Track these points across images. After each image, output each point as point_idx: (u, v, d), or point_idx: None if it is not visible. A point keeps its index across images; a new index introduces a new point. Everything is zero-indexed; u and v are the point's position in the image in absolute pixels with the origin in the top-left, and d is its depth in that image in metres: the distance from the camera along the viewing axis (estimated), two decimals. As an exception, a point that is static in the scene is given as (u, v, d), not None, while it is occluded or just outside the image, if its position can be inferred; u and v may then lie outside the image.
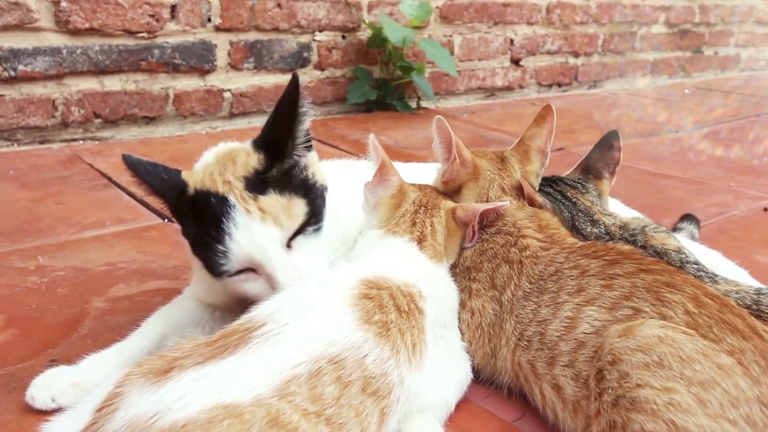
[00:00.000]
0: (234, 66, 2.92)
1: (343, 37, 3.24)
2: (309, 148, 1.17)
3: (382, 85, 3.33)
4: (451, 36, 3.61)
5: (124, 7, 2.57)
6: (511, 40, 3.88)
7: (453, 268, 1.22)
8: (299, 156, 1.14)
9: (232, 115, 2.97)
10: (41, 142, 2.55)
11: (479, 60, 3.78)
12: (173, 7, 2.70)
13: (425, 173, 1.40)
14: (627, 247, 1.15)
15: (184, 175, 1.14)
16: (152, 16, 2.65)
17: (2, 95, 2.43)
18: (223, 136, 2.63)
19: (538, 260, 1.15)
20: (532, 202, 1.26)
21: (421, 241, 1.16)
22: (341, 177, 1.38)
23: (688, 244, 1.33)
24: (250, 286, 1.11)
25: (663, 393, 0.87)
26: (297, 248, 1.10)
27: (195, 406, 0.77)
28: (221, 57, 2.87)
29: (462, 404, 1.11)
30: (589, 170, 1.43)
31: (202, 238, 1.10)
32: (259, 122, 2.99)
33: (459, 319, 1.17)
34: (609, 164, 1.43)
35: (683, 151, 2.87)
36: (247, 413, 0.77)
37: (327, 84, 3.24)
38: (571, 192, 1.36)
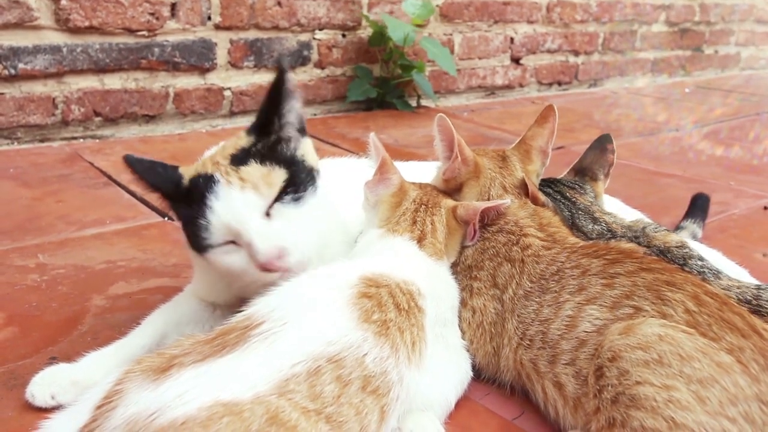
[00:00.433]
0: (234, 64, 2.92)
1: (344, 35, 3.24)
2: (303, 132, 1.18)
3: (382, 83, 3.33)
4: (451, 34, 3.61)
5: (124, 5, 2.57)
6: (512, 39, 3.88)
7: (454, 266, 1.22)
8: (289, 135, 1.15)
9: (232, 114, 2.97)
10: (41, 141, 2.55)
11: (479, 58, 3.78)
12: (173, 6, 2.70)
13: (425, 172, 1.39)
14: (628, 246, 1.15)
15: (181, 169, 1.15)
16: (152, 14, 2.65)
17: (2, 93, 2.43)
18: (223, 135, 2.64)
19: (540, 259, 1.15)
20: (535, 201, 1.26)
21: (421, 240, 1.16)
22: (342, 175, 1.38)
23: (689, 242, 1.34)
24: (232, 258, 1.09)
25: (663, 390, 0.87)
26: (276, 216, 1.09)
27: (194, 404, 0.77)
28: (221, 55, 2.87)
29: (462, 402, 1.11)
30: (585, 172, 1.44)
31: (189, 218, 1.11)
32: (259, 121, 2.99)
33: (460, 317, 1.17)
34: (603, 166, 1.45)
35: (683, 150, 2.87)
36: (247, 411, 0.77)
37: (327, 82, 3.24)
38: (570, 192, 1.37)
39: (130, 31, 2.62)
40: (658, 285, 1.01)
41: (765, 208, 2.14)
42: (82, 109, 2.59)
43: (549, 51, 4.09)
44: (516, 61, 3.95)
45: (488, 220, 1.23)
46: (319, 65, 3.19)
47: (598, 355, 0.96)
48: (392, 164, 1.23)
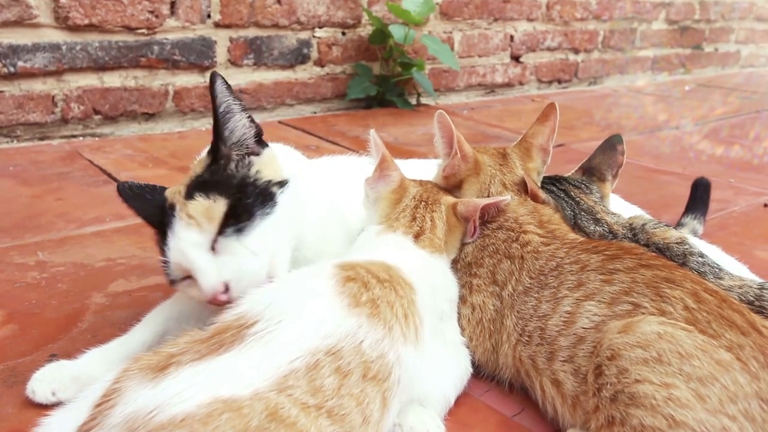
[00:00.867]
0: (234, 62, 2.91)
1: (343, 33, 3.24)
2: (260, 143, 1.16)
3: (382, 81, 3.33)
4: (451, 32, 3.61)
5: (123, 3, 2.57)
6: (511, 37, 3.88)
7: (454, 263, 1.22)
8: (239, 155, 1.14)
9: (232, 112, 2.96)
10: (41, 139, 2.55)
11: (479, 56, 3.77)
12: (173, 4, 2.70)
13: (425, 170, 1.39)
14: (628, 243, 1.15)
15: (168, 191, 1.16)
16: (152, 12, 2.65)
17: (2, 91, 2.42)
18: (222, 133, 2.63)
19: (539, 255, 1.15)
20: (535, 198, 1.26)
21: (418, 235, 1.16)
22: (342, 173, 1.38)
23: (689, 239, 1.33)
24: (193, 291, 1.11)
25: (662, 388, 0.87)
26: (221, 250, 1.08)
27: (194, 401, 0.77)
28: (221, 53, 2.87)
29: (462, 399, 1.12)
30: (593, 172, 1.44)
31: (161, 253, 1.13)
32: (258, 119, 2.98)
33: (459, 314, 1.17)
34: (612, 167, 1.44)
35: (683, 148, 2.87)
36: (246, 407, 0.77)
37: (327, 80, 3.24)
38: (574, 191, 1.36)
39: (130, 29, 2.62)
40: (657, 282, 1.00)
41: (765, 205, 2.14)
42: (82, 107, 2.59)
43: (549, 49, 4.08)
44: (516, 59, 3.95)
45: (488, 217, 1.23)
46: (319, 63, 3.19)
47: (597, 354, 0.96)
48: (392, 161, 1.23)
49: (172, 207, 1.11)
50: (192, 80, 2.83)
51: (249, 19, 2.90)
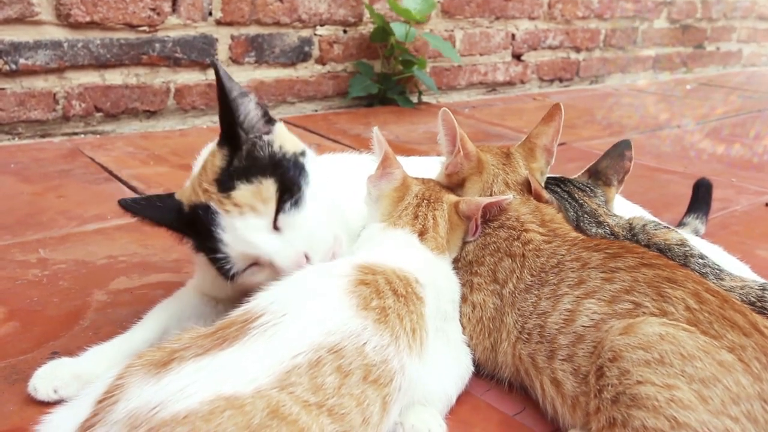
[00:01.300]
0: (235, 60, 2.91)
1: (345, 31, 3.23)
2: (269, 121, 1.17)
3: (383, 79, 3.33)
4: (452, 30, 3.60)
5: (125, 0, 2.57)
6: (513, 35, 3.87)
7: (455, 262, 1.22)
8: (256, 136, 1.14)
9: (233, 109, 2.96)
10: (42, 136, 2.55)
11: (480, 55, 3.77)
12: (174, 1, 2.69)
13: (427, 168, 1.39)
14: (630, 242, 1.14)
15: (177, 195, 1.16)
16: (153, 9, 2.65)
17: (3, 89, 2.42)
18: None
19: (541, 253, 1.14)
20: (539, 198, 1.26)
21: (422, 234, 1.16)
22: (345, 171, 1.38)
23: (691, 239, 1.33)
24: (260, 277, 1.10)
25: (664, 390, 0.86)
26: (285, 227, 1.09)
27: (196, 398, 0.77)
28: (222, 51, 2.87)
29: (463, 397, 1.12)
30: (599, 176, 1.44)
31: (207, 253, 1.12)
32: (260, 116, 2.99)
33: (460, 313, 1.17)
34: (619, 172, 1.44)
35: (685, 147, 2.87)
36: (248, 404, 0.77)
37: (328, 78, 3.23)
38: (578, 194, 1.36)
39: (131, 27, 2.62)
40: (658, 281, 1.00)
41: (766, 204, 2.14)
42: (83, 105, 2.59)
43: (550, 47, 4.08)
44: (517, 57, 3.94)
45: (490, 215, 1.23)
46: (320, 61, 3.19)
47: (598, 355, 0.95)
48: (395, 159, 1.23)
49: (205, 207, 1.09)
50: (193, 78, 2.83)
51: (250, 16, 2.89)
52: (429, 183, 1.26)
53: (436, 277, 1.12)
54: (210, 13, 2.79)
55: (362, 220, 1.25)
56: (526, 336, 1.08)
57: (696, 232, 1.69)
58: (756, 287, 1.12)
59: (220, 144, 1.15)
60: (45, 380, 1.07)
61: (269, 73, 3.03)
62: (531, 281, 1.12)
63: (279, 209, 1.08)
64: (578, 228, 1.27)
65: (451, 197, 1.23)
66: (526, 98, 3.85)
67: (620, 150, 1.45)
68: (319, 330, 0.88)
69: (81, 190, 2.04)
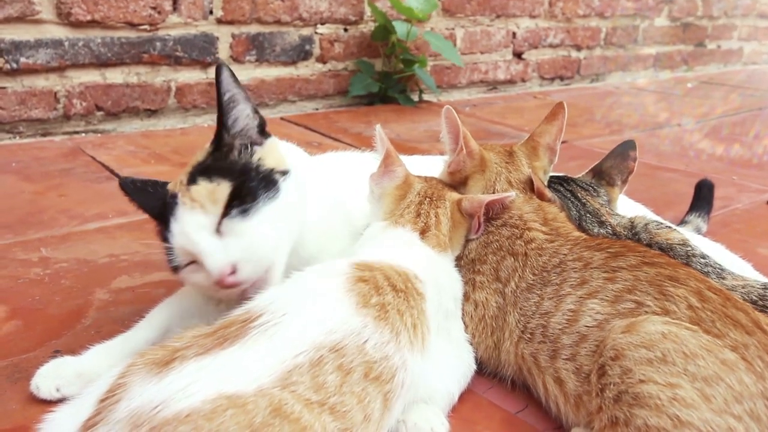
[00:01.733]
0: (236, 59, 2.91)
1: (345, 29, 3.23)
2: (263, 133, 1.17)
3: (384, 78, 3.33)
4: (453, 29, 3.60)
5: (126, -1, 2.57)
6: (514, 34, 3.87)
7: (458, 260, 1.22)
8: (242, 143, 1.14)
9: (234, 108, 2.96)
10: (43, 135, 2.55)
11: (481, 53, 3.77)
12: (175, 0, 2.69)
13: (428, 166, 1.39)
14: (632, 241, 1.14)
15: (170, 185, 1.16)
16: (154, 8, 2.65)
17: (4, 88, 2.42)
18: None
19: (543, 252, 1.14)
20: (541, 196, 1.26)
21: (424, 232, 1.16)
22: (346, 169, 1.38)
23: (692, 237, 1.33)
24: (198, 277, 1.10)
25: (667, 388, 0.86)
26: (226, 232, 1.08)
27: (198, 396, 0.77)
28: (223, 49, 2.87)
29: (465, 395, 1.12)
30: (602, 176, 1.44)
31: (162, 241, 1.13)
32: (261, 115, 2.99)
33: (463, 311, 1.17)
34: (622, 172, 1.44)
35: (686, 145, 2.86)
36: (250, 403, 0.78)
37: (329, 77, 3.23)
38: (581, 193, 1.36)
39: (132, 26, 2.62)
40: (660, 280, 1.00)
41: (767, 202, 2.14)
42: (84, 104, 2.59)
43: (551, 46, 4.08)
44: (518, 55, 3.94)
45: (493, 213, 1.22)
46: (321, 60, 3.19)
47: (600, 354, 0.95)
48: (397, 156, 1.23)
49: (174, 195, 1.11)
50: (194, 76, 2.83)
51: (251, 15, 2.89)
52: (431, 181, 1.26)
53: (438, 275, 1.12)
54: (211, 12, 2.79)
55: (365, 219, 1.25)
56: (529, 335, 1.08)
57: (698, 230, 1.69)
58: (758, 286, 1.12)
59: (212, 141, 1.16)
60: (47, 379, 1.07)
61: (270, 72, 3.03)
62: (533, 280, 1.12)
63: (225, 213, 1.08)
64: (580, 227, 1.27)
65: (454, 195, 1.23)
66: (527, 96, 3.85)
67: (624, 150, 1.45)
68: (320, 329, 0.88)
69: (82, 188, 2.04)
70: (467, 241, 1.23)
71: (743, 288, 1.12)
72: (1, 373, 1.16)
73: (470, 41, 3.69)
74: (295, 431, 0.78)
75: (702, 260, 1.19)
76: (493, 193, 1.26)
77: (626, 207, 1.53)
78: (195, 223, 1.07)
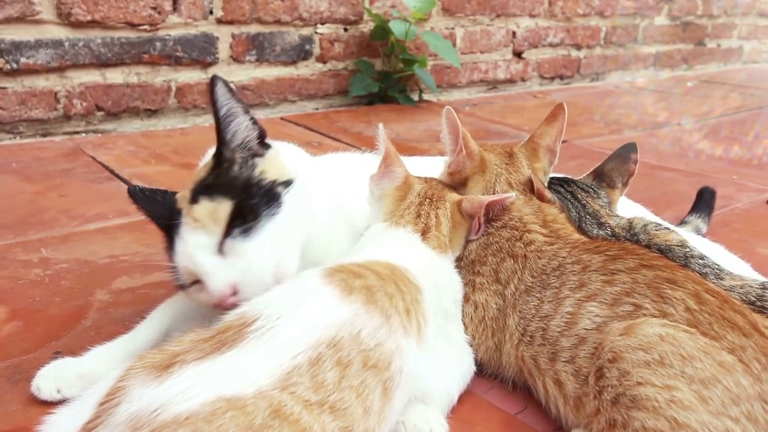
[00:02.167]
0: (236, 59, 2.91)
1: (345, 29, 3.23)
2: (263, 144, 1.17)
3: (384, 77, 3.33)
4: (453, 28, 3.60)
5: (126, -1, 2.57)
6: (514, 33, 3.87)
7: (458, 261, 1.22)
8: (243, 157, 1.14)
9: (234, 108, 2.96)
10: (43, 135, 2.55)
11: (481, 53, 3.77)
12: (175, 0, 2.69)
13: (428, 166, 1.39)
14: (630, 243, 1.14)
15: (178, 195, 1.16)
16: (154, 8, 2.65)
17: (4, 88, 2.43)
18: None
19: (542, 254, 1.15)
20: (541, 197, 1.26)
21: (424, 233, 1.16)
22: (346, 170, 1.38)
23: (691, 238, 1.34)
24: (202, 296, 1.10)
25: (664, 391, 0.87)
26: (228, 252, 1.08)
27: (198, 399, 0.77)
28: (223, 49, 2.87)
29: (465, 396, 1.12)
30: (603, 178, 1.44)
31: (168, 258, 1.13)
32: (260, 115, 2.99)
33: (463, 312, 1.17)
34: (623, 175, 1.44)
35: (685, 144, 2.86)
36: (250, 405, 0.78)
37: (329, 77, 3.23)
38: (581, 195, 1.36)
39: (132, 26, 2.62)
40: (658, 282, 1.00)
41: (767, 202, 2.14)
42: (84, 104, 2.59)
43: (551, 45, 4.08)
44: (518, 55, 3.94)
45: (493, 214, 1.23)
46: (321, 59, 3.19)
47: (598, 356, 0.96)
48: (397, 157, 1.23)
49: (179, 212, 1.11)
50: (194, 76, 2.83)
51: (251, 15, 2.89)
52: (432, 182, 1.26)
53: (438, 276, 1.13)
54: (211, 12, 2.79)
55: (366, 220, 1.25)
56: (529, 338, 1.08)
57: (698, 231, 1.69)
58: (756, 286, 1.12)
59: (213, 156, 1.16)
60: (48, 380, 1.07)
61: (270, 72, 3.03)
62: (532, 283, 1.12)
63: (227, 233, 1.08)
64: (580, 229, 1.27)
65: (454, 196, 1.23)
66: (527, 96, 3.85)
67: (625, 153, 1.45)
68: (315, 326, 0.89)
69: (82, 189, 2.04)
70: (467, 242, 1.23)
71: (741, 288, 1.12)
72: (1, 374, 1.16)
73: (470, 41, 3.69)
74: (295, 432, 0.78)
75: (700, 261, 1.19)
76: (493, 194, 1.26)
77: (626, 207, 1.53)
78: (197, 243, 1.07)
